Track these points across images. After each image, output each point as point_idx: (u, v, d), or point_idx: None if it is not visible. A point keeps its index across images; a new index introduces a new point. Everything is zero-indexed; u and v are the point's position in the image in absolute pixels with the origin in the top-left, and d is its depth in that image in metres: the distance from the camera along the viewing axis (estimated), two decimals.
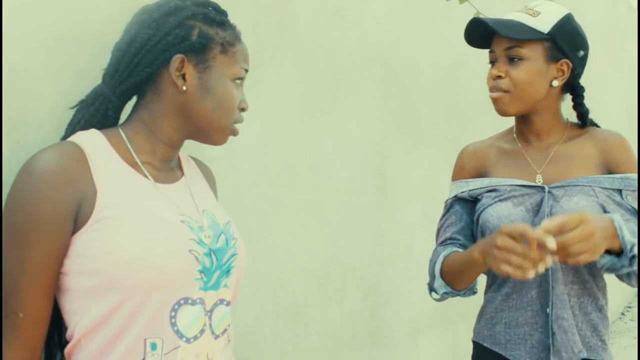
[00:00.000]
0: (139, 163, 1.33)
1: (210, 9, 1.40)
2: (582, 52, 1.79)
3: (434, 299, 1.84)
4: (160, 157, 1.38)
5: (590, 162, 1.74)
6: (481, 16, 1.81)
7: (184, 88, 1.34)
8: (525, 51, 1.70)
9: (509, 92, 1.71)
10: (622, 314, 6.37)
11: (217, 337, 1.33)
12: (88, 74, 1.50)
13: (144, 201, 1.28)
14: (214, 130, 1.38)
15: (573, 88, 1.83)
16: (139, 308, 1.21)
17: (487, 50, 1.83)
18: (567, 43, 1.74)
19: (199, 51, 1.35)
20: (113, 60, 1.38)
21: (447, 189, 1.95)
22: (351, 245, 2.59)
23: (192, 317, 1.27)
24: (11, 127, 1.35)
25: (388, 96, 2.84)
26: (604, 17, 6.25)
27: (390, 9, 2.87)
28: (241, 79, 1.40)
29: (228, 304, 1.37)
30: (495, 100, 1.74)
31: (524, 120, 1.81)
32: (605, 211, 1.64)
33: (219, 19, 1.39)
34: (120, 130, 1.36)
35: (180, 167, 1.47)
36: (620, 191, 1.68)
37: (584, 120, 1.84)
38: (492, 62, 1.78)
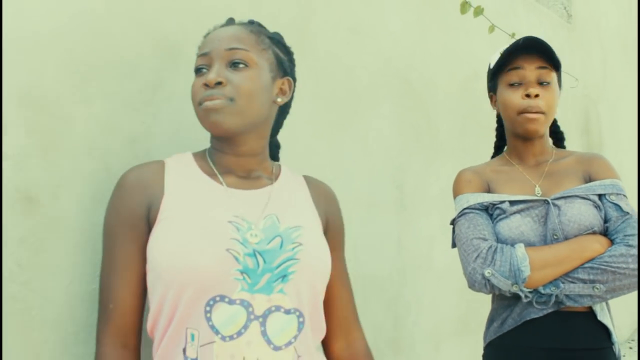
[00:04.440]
0: (217, 173, 1.45)
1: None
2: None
3: (515, 290, 1.73)
4: (238, 168, 1.48)
5: (577, 175, 1.88)
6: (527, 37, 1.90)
7: None
8: (553, 75, 1.87)
9: (544, 114, 1.85)
10: None
11: (276, 348, 1.30)
12: (117, 97, 1.57)
13: (203, 203, 1.36)
14: (200, 122, 1.44)
15: None
16: (178, 299, 1.28)
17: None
18: (560, 76, 1.94)
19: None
20: None
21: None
22: (372, 257, 2.62)
23: (228, 315, 1.27)
24: (45, 151, 1.41)
25: (405, 110, 2.87)
26: (619, 24, 6.25)
27: (405, 24, 2.90)
28: (201, 67, 1.44)
29: (289, 312, 1.33)
30: (532, 121, 1.84)
31: (526, 143, 1.94)
32: (600, 210, 1.80)
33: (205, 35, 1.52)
34: (206, 152, 1.52)
35: (276, 179, 1.52)
36: (604, 195, 1.82)
37: (562, 144, 2.07)
38: (515, 82, 1.88)
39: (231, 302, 1.27)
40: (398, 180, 2.80)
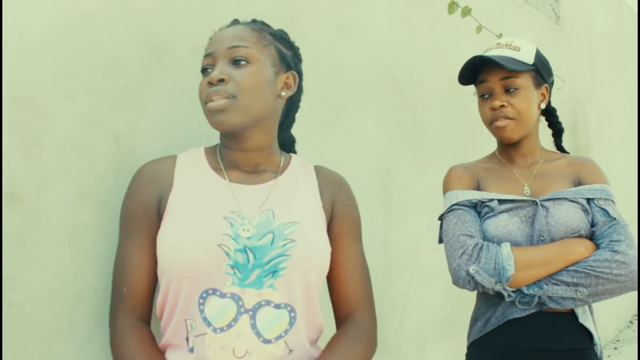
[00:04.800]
0: (222, 168, 1.50)
1: None
2: (552, 77, 1.99)
3: (498, 289, 1.74)
4: (243, 162, 1.52)
5: (567, 178, 1.90)
6: (481, 54, 1.94)
7: None
8: (520, 81, 1.87)
9: (514, 120, 1.87)
10: (630, 322, 6.37)
11: (266, 341, 1.35)
12: (101, 93, 1.56)
13: (204, 198, 1.42)
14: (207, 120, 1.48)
15: (547, 109, 2.04)
16: (178, 291, 1.36)
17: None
18: (544, 70, 1.94)
19: None
20: None
21: None
22: None
23: (219, 308, 1.33)
24: (27, 146, 1.40)
25: (392, 109, 2.88)
26: (608, 27, 6.28)
27: (393, 23, 2.91)
28: (206, 67, 1.50)
29: (279, 307, 1.37)
30: (502, 129, 1.88)
31: (511, 146, 1.96)
32: (588, 214, 1.81)
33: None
34: (217, 147, 1.57)
35: (281, 172, 1.55)
36: (592, 199, 1.84)
37: (560, 137, 2.09)
38: (485, 94, 1.92)
39: (222, 295, 1.34)
40: (385, 179, 2.80)
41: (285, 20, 2.26)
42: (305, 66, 2.35)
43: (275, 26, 2.21)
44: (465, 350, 1.98)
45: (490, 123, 1.90)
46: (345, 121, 2.56)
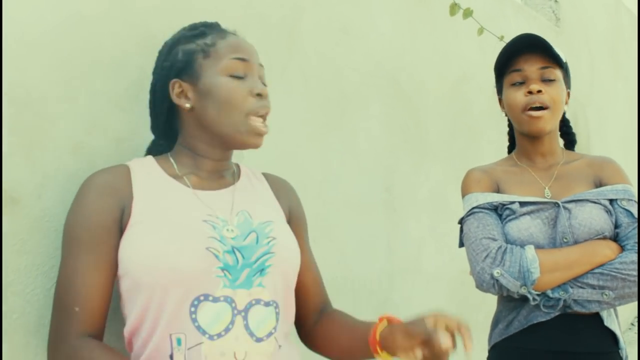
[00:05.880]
0: (181, 175, 1.45)
1: (190, 29, 1.52)
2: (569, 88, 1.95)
3: (523, 292, 1.71)
4: (206, 170, 1.49)
5: (587, 179, 1.87)
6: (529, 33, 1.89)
7: (187, 105, 1.44)
8: (557, 72, 1.85)
9: (549, 109, 1.82)
10: (632, 324, 6.35)
11: (258, 340, 1.34)
12: (102, 96, 1.54)
13: (174, 205, 1.37)
14: (231, 131, 1.44)
15: (562, 119, 1.99)
16: (162, 305, 1.28)
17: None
18: (568, 76, 1.92)
19: (187, 67, 1.45)
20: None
21: (455, 203, 1.97)
22: (360, 260, 2.61)
23: (214, 314, 1.29)
24: (28, 149, 1.38)
25: (395, 111, 2.86)
26: (607, 28, 6.28)
27: (396, 26, 2.90)
28: (239, 75, 1.44)
29: (268, 304, 1.37)
30: (537, 118, 1.83)
31: (534, 142, 1.91)
32: (611, 215, 1.77)
33: (199, 31, 1.49)
34: (169, 155, 1.51)
35: (237, 178, 1.55)
36: (615, 200, 1.80)
37: (572, 148, 2.05)
38: (517, 83, 1.86)
39: (215, 299, 1.30)
40: (387, 182, 2.79)
41: (287, 22, 2.25)
42: (306, 68, 2.34)
43: (277, 29, 2.21)
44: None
45: (523, 110, 1.84)
46: (347, 124, 2.55)
